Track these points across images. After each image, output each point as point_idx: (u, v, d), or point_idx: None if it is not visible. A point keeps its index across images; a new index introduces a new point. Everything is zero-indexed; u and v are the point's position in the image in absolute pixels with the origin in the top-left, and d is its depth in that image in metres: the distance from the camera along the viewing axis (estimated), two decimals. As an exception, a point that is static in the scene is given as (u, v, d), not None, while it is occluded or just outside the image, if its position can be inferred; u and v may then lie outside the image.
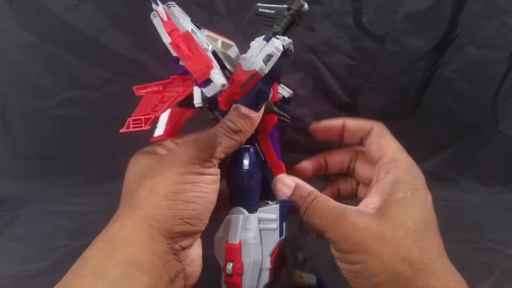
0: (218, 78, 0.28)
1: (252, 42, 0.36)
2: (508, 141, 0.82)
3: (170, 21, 0.30)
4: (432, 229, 0.33)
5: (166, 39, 0.30)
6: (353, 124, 0.39)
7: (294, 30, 0.38)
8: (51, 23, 0.70)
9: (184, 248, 0.30)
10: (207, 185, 0.31)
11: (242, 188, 0.36)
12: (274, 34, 0.36)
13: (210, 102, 0.36)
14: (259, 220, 0.35)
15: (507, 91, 0.78)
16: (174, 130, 0.36)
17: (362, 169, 0.40)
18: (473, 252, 0.60)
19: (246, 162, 0.36)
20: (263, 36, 0.35)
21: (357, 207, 0.33)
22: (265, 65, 0.32)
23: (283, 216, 0.34)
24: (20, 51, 0.72)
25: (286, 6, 0.37)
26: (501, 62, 0.76)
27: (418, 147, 0.85)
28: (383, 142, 0.37)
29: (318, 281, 0.40)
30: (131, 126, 0.32)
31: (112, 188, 0.78)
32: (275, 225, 0.34)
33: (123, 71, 0.75)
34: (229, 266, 0.33)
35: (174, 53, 0.31)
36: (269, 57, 0.33)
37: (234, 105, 0.34)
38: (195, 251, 0.32)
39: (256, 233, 0.34)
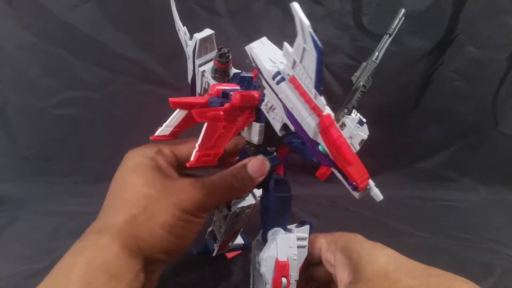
0: (376, 191, 0.31)
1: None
2: (508, 141, 0.82)
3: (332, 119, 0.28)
4: (386, 257, 0.35)
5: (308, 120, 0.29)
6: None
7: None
8: (51, 23, 0.70)
9: (152, 271, 0.33)
10: (196, 227, 0.34)
11: (284, 211, 0.39)
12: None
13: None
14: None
15: (507, 91, 0.78)
16: (178, 132, 0.36)
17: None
18: (473, 252, 0.60)
19: (287, 188, 0.40)
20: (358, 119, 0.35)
21: None
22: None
23: (309, 235, 0.40)
24: (20, 51, 0.73)
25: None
26: (501, 62, 0.76)
27: (418, 147, 0.85)
28: (316, 239, 0.41)
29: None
30: (201, 161, 0.32)
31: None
32: (306, 242, 0.39)
33: (123, 71, 0.75)
34: (284, 280, 0.37)
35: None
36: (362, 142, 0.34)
37: (243, 163, 0.37)
38: (157, 274, 0.35)
39: (296, 250, 0.38)
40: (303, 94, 0.28)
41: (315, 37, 0.23)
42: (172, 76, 0.75)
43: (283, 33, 0.68)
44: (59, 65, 0.74)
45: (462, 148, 0.83)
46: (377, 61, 0.35)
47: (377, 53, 0.36)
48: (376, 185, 0.32)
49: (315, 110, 0.28)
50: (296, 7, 0.22)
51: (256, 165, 0.37)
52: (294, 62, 0.27)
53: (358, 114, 0.36)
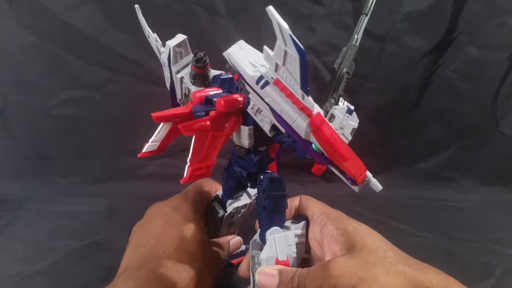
0: (375, 181, 0.31)
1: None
2: (508, 141, 0.82)
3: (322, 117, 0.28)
4: (383, 240, 0.36)
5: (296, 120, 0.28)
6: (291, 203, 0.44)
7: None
8: (51, 23, 0.70)
9: None
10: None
11: (281, 209, 0.39)
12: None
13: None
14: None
15: (507, 91, 0.78)
16: (166, 145, 0.36)
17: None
18: (473, 252, 0.60)
19: (282, 186, 0.39)
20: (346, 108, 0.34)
21: (330, 259, 0.35)
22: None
23: (307, 230, 0.40)
24: (20, 51, 0.73)
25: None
26: (501, 62, 0.76)
27: (418, 147, 0.85)
28: (310, 204, 0.43)
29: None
30: (194, 176, 0.33)
31: (112, 188, 0.79)
32: (303, 239, 0.40)
33: (123, 71, 0.75)
34: None
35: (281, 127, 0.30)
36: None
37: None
38: None
39: (295, 248, 0.38)
40: (289, 95, 0.28)
41: (296, 40, 0.22)
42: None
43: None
44: (59, 65, 0.74)
45: (462, 148, 0.83)
46: (357, 45, 0.34)
47: (356, 36, 0.35)
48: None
49: (304, 110, 0.28)
50: (272, 11, 0.22)
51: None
52: (277, 65, 0.26)
53: (346, 103, 0.35)
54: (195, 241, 0.40)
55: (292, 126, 0.29)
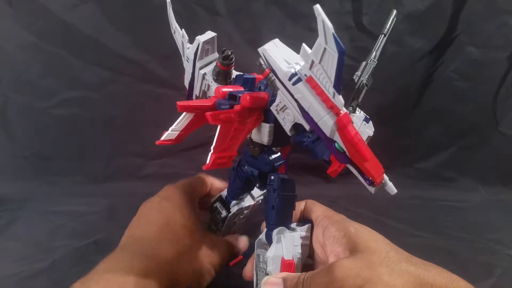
0: (391, 185, 0.32)
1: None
2: (508, 141, 0.82)
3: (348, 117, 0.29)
4: (385, 241, 0.36)
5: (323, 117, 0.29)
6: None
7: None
8: (51, 23, 0.70)
9: None
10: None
11: (289, 210, 0.40)
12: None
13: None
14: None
15: (507, 91, 0.78)
16: (183, 136, 0.37)
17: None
18: (473, 252, 0.60)
19: (293, 187, 0.40)
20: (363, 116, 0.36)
21: (333, 261, 0.35)
22: None
23: (311, 233, 0.41)
24: (20, 51, 0.73)
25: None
26: (501, 62, 0.76)
27: (418, 147, 0.85)
28: (314, 208, 0.44)
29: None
30: (216, 163, 0.34)
31: (112, 188, 0.79)
32: (307, 241, 0.40)
33: (123, 71, 0.75)
34: None
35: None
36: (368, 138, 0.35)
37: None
38: None
39: (300, 249, 0.39)
40: (320, 93, 0.29)
41: (338, 38, 0.24)
42: (172, 76, 0.75)
43: (283, 33, 0.68)
44: (59, 65, 0.74)
45: (462, 148, 0.83)
46: (376, 60, 0.37)
47: (374, 53, 0.37)
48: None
49: (333, 109, 0.28)
50: (319, 9, 0.23)
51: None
52: (313, 62, 0.27)
53: (362, 112, 0.37)
54: (183, 223, 0.42)
55: (319, 123, 0.30)
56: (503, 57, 0.76)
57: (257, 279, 0.42)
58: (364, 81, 0.37)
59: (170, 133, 0.35)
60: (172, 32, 0.43)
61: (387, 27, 0.38)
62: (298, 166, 0.79)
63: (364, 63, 0.37)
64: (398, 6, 0.71)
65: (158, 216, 0.42)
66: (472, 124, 0.82)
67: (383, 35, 0.38)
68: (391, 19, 0.38)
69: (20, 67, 0.74)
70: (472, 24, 0.73)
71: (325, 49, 0.25)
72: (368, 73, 0.38)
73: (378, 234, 0.37)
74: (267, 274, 0.38)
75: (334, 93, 0.27)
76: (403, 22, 0.72)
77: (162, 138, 0.35)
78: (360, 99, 0.37)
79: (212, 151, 0.33)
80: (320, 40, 0.25)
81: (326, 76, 0.27)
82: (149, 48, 0.73)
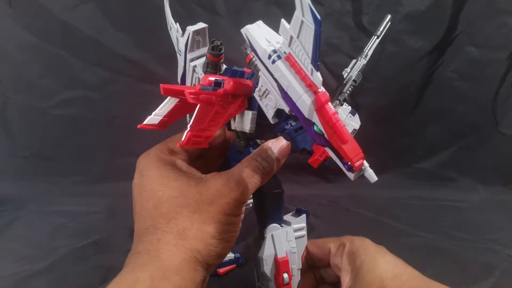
0: (371, 171, 0.30)
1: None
2: (508, 141, 0.82)
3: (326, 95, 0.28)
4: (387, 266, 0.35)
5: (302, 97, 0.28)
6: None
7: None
8: (51, 23, 0.70)
9: (206, 278, 0.34)
10: (239, 224, 0.34)
11: (278, 206, 0.40)
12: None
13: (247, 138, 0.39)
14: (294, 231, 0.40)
15: (507, 91, 0.78)
16: (167, 123, 0.36)
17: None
18: (473, 252, 0.60)
19: (278, 183, 0.39)
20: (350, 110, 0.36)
21: None
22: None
23: (308, 223, 0.40)
24: (20, 51, 0.73)
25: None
26: (501, 62, 0.76)
27: (418, 147, 0.85)
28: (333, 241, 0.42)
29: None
30: (192, 142, 0.32)
31: (112, 188, 0.79)
32: (304, 232, 0.40)
33: (123, 71, 0.75)
34: (286, 276, 0.38)
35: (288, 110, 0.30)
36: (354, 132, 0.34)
37: (265, 146, 0.36)
38: (207, 279, 0.36)
39: (294, 242, 0.39)
40: (299, 71, 0.28)
41: (314, 10, 0.23)
42: (172, 76, 0.74)
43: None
44: (59, 65, 0.74)
45: (462, 148, 0.83)
46: (366, 59, 0.37)
47: (366, 51, 0.37)
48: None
49: (311, 87, 0.28)
50: None
51: (280, 145, 0.36)
52: (291, 38, 0.27)
53: (349, 107, 0.37)
54: (170, 195, 0.34)
55: (297, 103, 0.29)
56: (503, 57, 0.76)
57: (257, 276, 0.42)
58: (354, 77, 0.37)
59: (152, 117, 0.34)
60: (168, 28, 0.43)
61: (381, 29, 0.38)
62: (298, 166, 0.79)
63: (354, 60, 0.38)
64: (398, 6, 0.71)
65: (143, 199, 0.35)
66: (472, 124, 0.82)
67: (375, 36, 0.38)
68: (384, 23, 0.39)
69: (20, 67, 0.74)
70: (472, 24, 0.73)
71: (302, 21, 0.24)
72: (357, 70, 0.38)
73: (380, 255, 0.36)
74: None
75: (312, 70, 0.27)
76: (403, 22, 0.72)
77: (144, 122, 0.34)
78: (347, 93, 0.37)
79: (188, 128, 0.32)
80: (297, 13, 0.24)
81: (305, 53, 0.26)
82: (149, 48, 0.73)
